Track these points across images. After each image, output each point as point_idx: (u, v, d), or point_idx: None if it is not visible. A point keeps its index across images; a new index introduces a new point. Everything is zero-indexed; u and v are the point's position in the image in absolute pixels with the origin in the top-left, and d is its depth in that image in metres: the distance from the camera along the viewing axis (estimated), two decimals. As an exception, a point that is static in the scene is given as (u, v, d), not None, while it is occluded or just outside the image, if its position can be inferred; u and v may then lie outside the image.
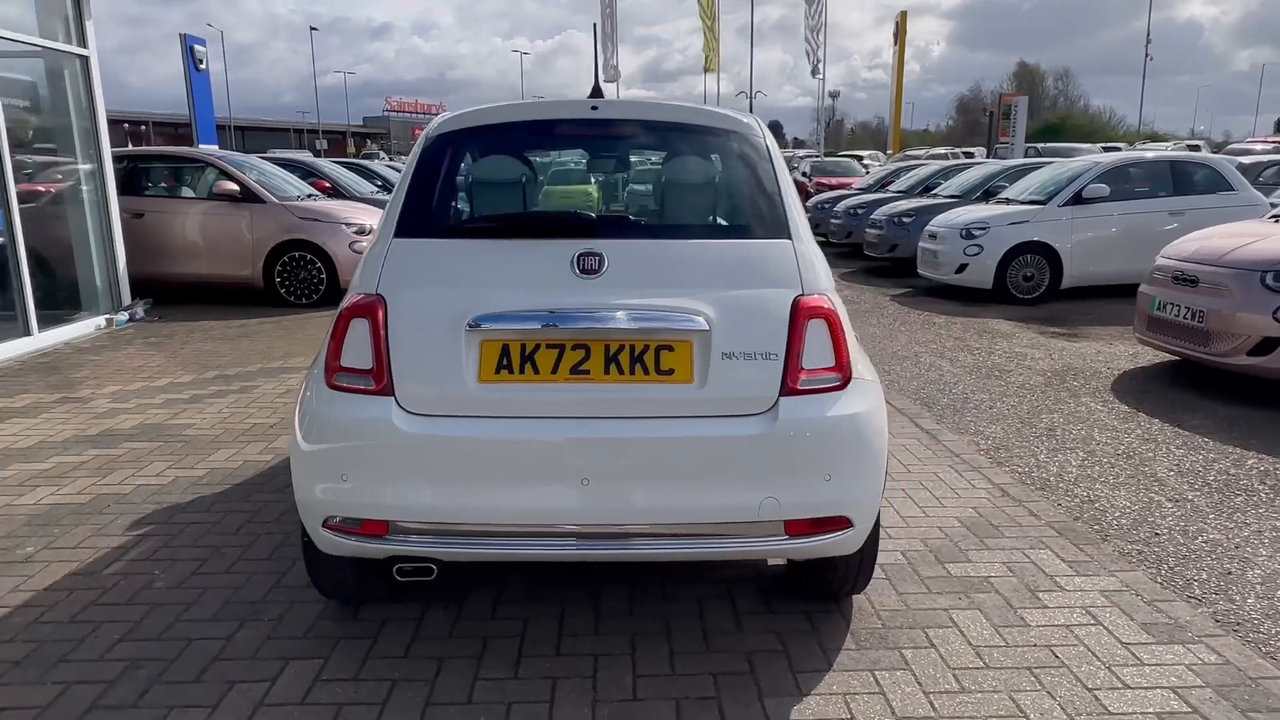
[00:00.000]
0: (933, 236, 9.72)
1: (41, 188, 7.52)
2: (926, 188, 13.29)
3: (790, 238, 2.58)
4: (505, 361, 2.34)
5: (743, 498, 2.31)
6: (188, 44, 14.42)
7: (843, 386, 2.42)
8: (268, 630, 2.65)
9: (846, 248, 13.77)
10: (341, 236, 8.79)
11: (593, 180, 5.31)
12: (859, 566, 2.67)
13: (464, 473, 2.30)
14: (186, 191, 9.30)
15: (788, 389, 2.36)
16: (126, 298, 8.13)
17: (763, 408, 2.35)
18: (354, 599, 2.79)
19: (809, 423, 2.35)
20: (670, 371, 2.35)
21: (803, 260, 2.54)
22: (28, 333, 6.80)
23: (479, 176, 2.72)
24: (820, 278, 2.54)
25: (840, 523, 2.42)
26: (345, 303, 2.44)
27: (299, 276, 8.82)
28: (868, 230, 12.28)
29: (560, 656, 2.53)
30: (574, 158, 5.47)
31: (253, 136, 62.80)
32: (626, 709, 2.28)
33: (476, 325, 2.34)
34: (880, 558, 3.10)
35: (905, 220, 11.39)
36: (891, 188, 14.56)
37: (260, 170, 9.44)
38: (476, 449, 2.29)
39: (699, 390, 2.34)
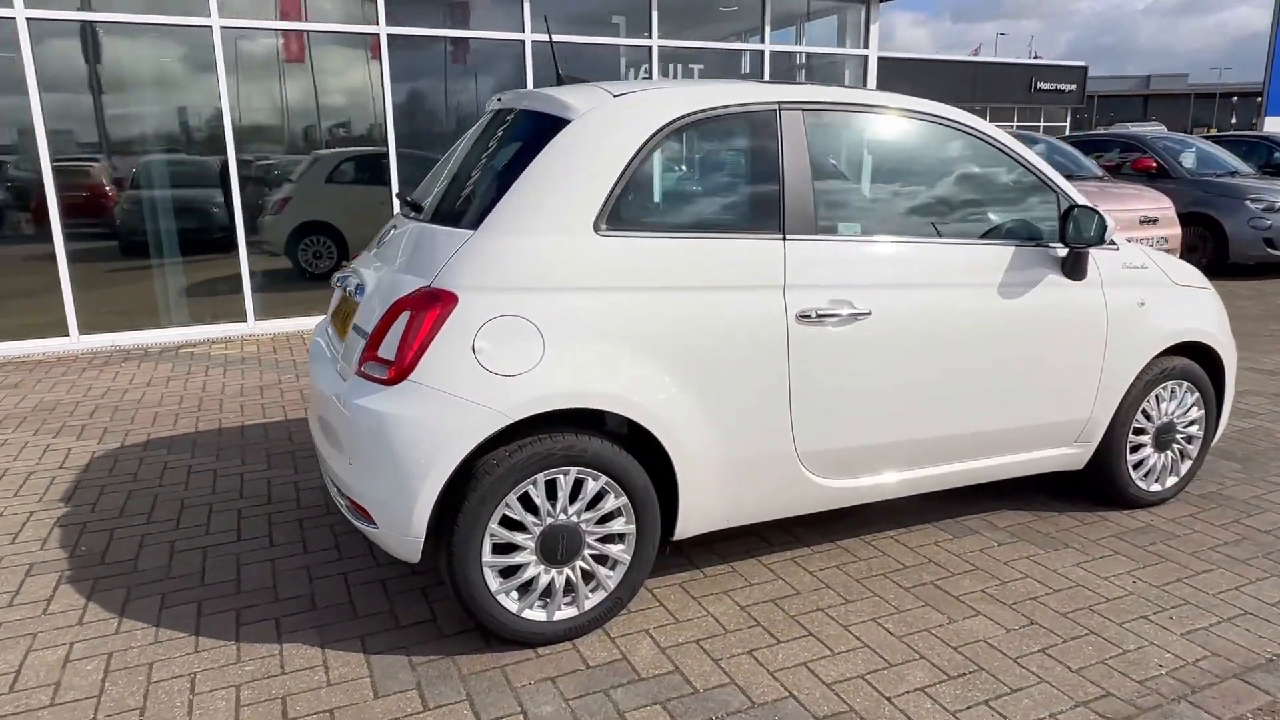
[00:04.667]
0: None
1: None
2: None
3: (474, 229, 2.44)
4: (332, 309, 3.12)
5: (339, 456, 2.56)
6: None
7: (390, 383, 2.34)
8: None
9: None
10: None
11: None
12: (451, 585, 2.39)
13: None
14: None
15: (357, 369, 2.45)
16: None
17: (348, 380, 2.51)
18: None
19: (344, 404, 2.41)
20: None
21: (463, 254, 2.42)
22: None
23: None
24: (464, 274, 2.38)
25: (365, 513, 2.40)
26: None
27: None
28: None
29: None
30: None
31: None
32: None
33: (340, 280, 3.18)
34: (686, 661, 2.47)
35: None
36: None
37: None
38: (308, 368, 3.19)
39: (344, 353, 2.66)
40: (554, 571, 2.49)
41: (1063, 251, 3.08)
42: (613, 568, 2.57)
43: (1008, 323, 2.98)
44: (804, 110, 2.77)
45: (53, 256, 6.26)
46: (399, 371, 2.33)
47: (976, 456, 3.11)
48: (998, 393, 3.02)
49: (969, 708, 2.24)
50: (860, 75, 9.15)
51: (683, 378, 2.52)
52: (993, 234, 3.03)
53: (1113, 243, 3.23)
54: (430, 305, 2.35)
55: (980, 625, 2.64)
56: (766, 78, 8.62)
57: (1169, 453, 3.51)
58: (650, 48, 8.02)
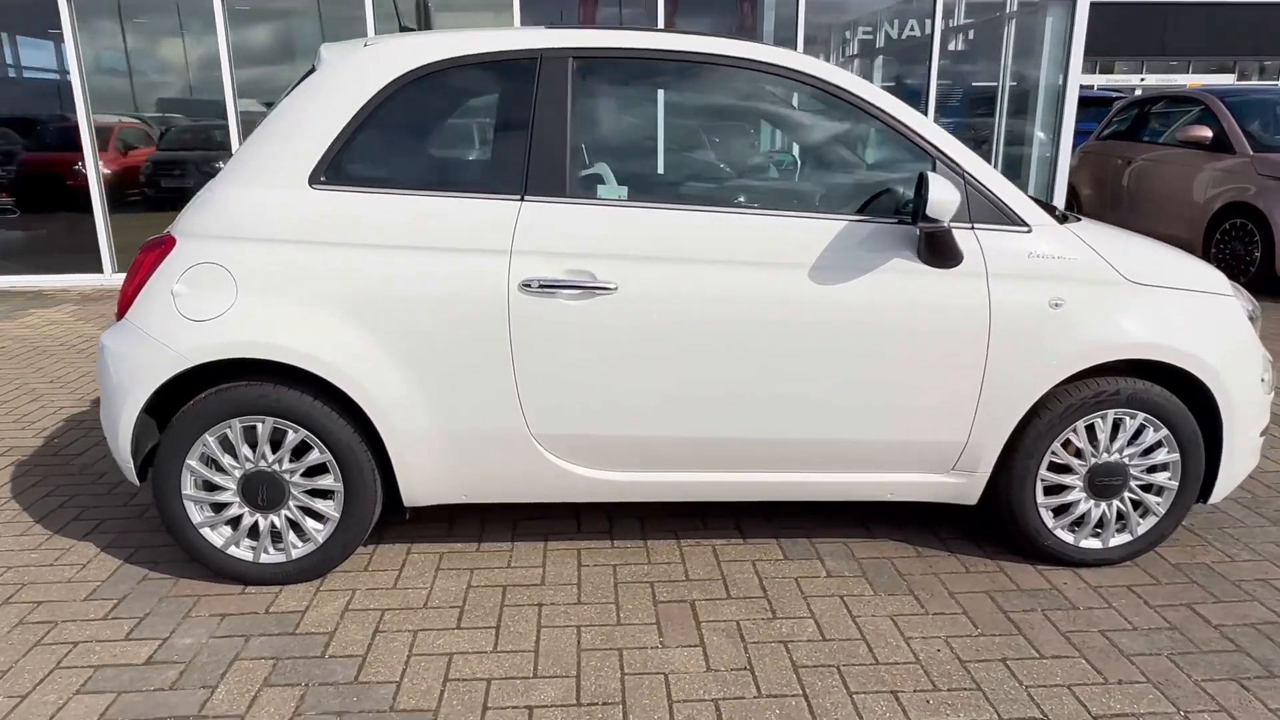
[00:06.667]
0: None
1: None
2: None
3: (216, 179, 2.55)
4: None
5: None
6: None
7: (117, 319, 2.53)
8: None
9: None
10: (1298, 204, 6.31)
11: None
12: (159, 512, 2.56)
13: None
14: (1165, 136, 7.97)
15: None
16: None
17: None
18: None
19: (104, 336, 2.66)
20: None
21: (194, 202, 2.56)
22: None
23: None
24: (188, 222, 2.52)
25: (109, 437, 2.64)
26: None
27: (1234, 251, 6.83)
28: None
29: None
30: None
31: None
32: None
33: None
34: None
35: None
36: None
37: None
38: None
39: None
40: (258, 516, 2.57)
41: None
42: (324, 522, 2.59)
43: (822, 313, 2.47)
44: (574, 58, 2.49)
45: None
46: (121, 309, 2.52)
47: (796, 469, 2.64)
48: (809, 397, 2.52)
49: (558, 740, 1.98)
50: (1066, 26, 7.75)
51: (389, 340, 2.44)
52: (817, 204, 2.51)
53: (1022, 222, 2.53)
54: (153, 249, 2.51)
55: (681, 658, 2.28)
56: (937, 31, 7.63)
57: (1116, 503, 2.69)
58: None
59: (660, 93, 2.59)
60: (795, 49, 7.59)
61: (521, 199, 2.45)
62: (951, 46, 8.28)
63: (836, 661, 2.27)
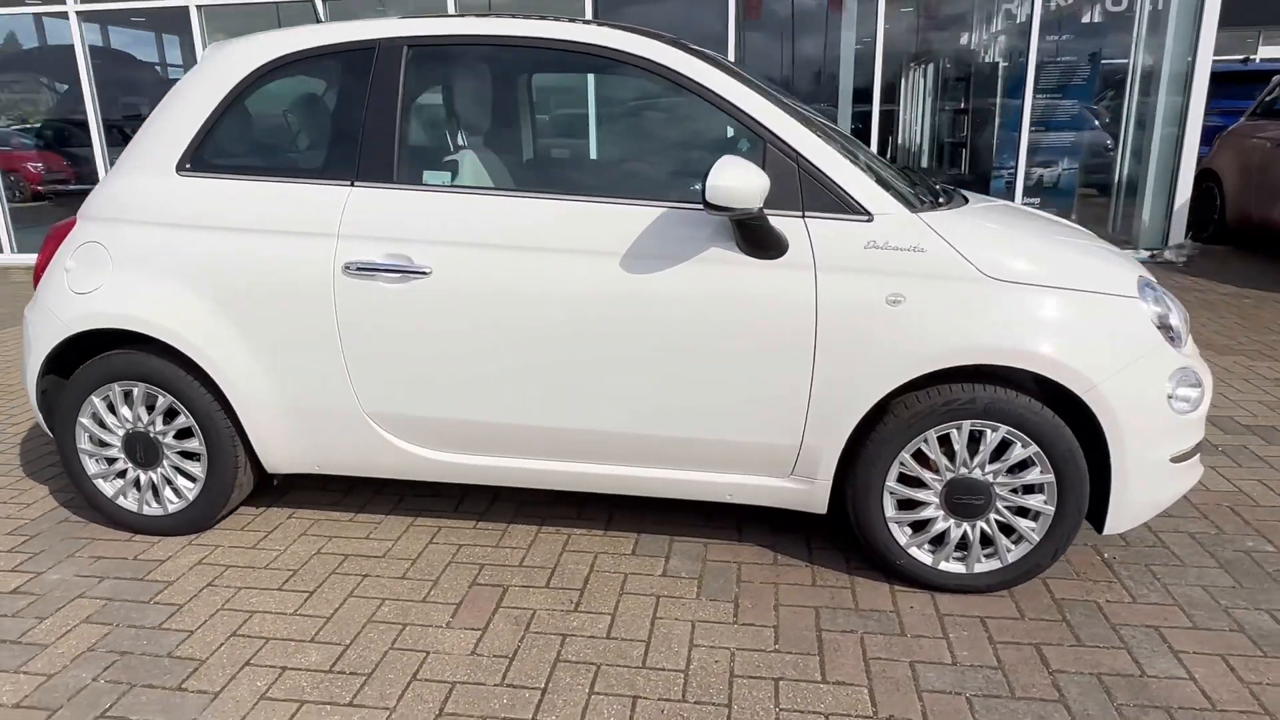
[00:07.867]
0: None
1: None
2: None
3: (113, 166, 2.83)
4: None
5: None
6: None
7: (34, 289, 2.87)
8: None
9: None
10: None
11: None
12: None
13: None
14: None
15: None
16: (1175, 236, 7.20)
17: None
18: None
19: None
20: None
21: (96, 188, 2.83)
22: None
23: None
24: (88, 205, 2.80)
25: (38, 394, 3.00)
26: None
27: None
28: None
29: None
30: None
31: None
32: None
33: None
34: (174, 565, 2.74)
35: None
36: None
37: None
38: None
39: None
40: (139, 471, 2.83)
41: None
42: (194, 482, 2.81)
43: (635, 303, 2.38)
44: (409, 47, 2.53)
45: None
46: (34, 283, 2.86)
47: (626, 463, 2.56)
48: (626, 390, 2.44)
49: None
50: (1194, 9, 6.81)
51: (237, 316, 2.61)
52: (641, 189, 2.41)
53: (862, 211, 2.31)
54: (60, 228, 2.81)
55: (455, 639, 2.29)
56: (1034, 19, 6.93)
57: (982, 525, 2.41)
58: (879, -24, 7.04)
59: (496, 79, 2.59)
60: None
61: (352, 184, 2.54)
62: (1085, 20, 7.53)
63: (602, 660, 2.20)
